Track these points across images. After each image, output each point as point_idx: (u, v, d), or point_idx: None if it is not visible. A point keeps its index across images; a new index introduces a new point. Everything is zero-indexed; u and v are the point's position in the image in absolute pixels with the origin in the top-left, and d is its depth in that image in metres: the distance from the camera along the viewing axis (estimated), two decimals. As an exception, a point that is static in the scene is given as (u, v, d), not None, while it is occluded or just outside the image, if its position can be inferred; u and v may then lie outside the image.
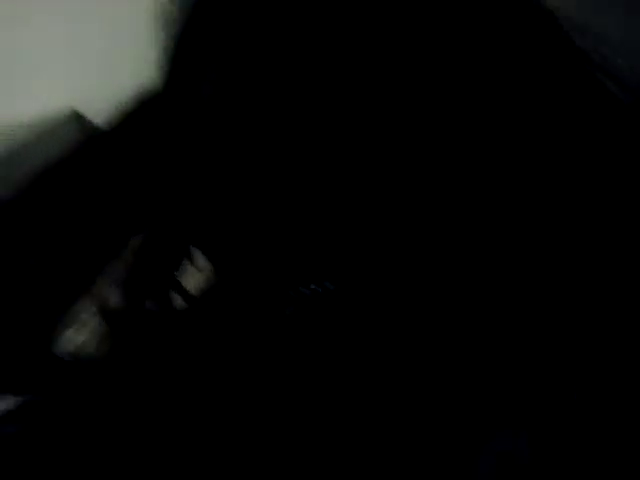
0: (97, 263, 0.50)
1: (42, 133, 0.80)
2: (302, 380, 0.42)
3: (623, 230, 0.41)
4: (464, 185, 0.41)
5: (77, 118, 0.73)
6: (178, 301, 0.48)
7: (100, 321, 0.47)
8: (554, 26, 0.45)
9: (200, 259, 0.48)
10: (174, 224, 0.49)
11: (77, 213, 0.55)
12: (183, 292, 0.48)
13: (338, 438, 0.40)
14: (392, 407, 0.40)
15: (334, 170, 0.41)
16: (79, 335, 0.48)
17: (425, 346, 0.40)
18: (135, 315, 0.47)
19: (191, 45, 0.45)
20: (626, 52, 0.46)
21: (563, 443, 0.37)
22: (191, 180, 0.47)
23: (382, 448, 0.40)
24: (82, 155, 0.58)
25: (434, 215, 0.41)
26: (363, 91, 0.41)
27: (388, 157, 0.41)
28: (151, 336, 0.46)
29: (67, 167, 0.59)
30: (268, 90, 0.42)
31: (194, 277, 0.48)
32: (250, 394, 0.43)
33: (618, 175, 0.42)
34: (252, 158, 0.43)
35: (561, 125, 0.43)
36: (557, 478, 0.37)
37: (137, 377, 0.45)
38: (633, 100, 0.46)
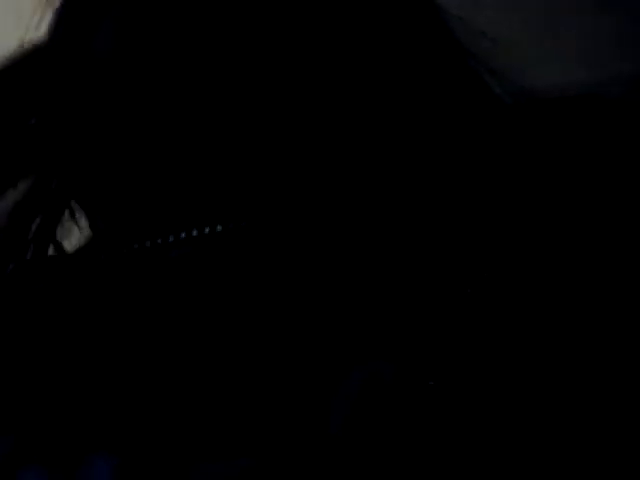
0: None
1: None
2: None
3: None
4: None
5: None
6: (55, 257, 0.46)
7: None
8: (436, 19, 0.47)
9: (82, 218, 0.47)
10: (57, 182, 0.48)
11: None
12: (60, 249, 0.47)
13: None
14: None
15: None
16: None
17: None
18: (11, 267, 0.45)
19: None
20: (509, 50, 0.49)
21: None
22: (80, 137, 0.46)
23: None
24: None
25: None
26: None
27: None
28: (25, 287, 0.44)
29: None
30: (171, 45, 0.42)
31: (75, 235, 0.47)
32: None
33: (493, 173, 0.43)
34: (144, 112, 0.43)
35: (436, 119, 0.45)
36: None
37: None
38: (514, 101, 0.49)
